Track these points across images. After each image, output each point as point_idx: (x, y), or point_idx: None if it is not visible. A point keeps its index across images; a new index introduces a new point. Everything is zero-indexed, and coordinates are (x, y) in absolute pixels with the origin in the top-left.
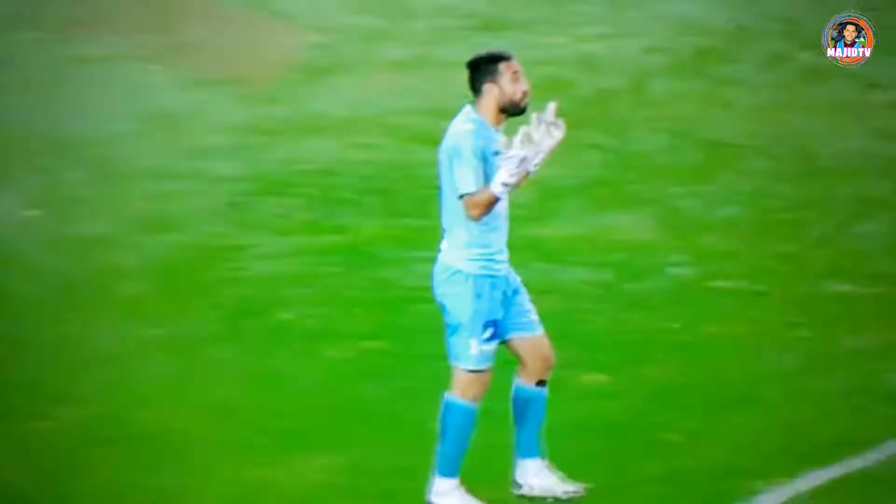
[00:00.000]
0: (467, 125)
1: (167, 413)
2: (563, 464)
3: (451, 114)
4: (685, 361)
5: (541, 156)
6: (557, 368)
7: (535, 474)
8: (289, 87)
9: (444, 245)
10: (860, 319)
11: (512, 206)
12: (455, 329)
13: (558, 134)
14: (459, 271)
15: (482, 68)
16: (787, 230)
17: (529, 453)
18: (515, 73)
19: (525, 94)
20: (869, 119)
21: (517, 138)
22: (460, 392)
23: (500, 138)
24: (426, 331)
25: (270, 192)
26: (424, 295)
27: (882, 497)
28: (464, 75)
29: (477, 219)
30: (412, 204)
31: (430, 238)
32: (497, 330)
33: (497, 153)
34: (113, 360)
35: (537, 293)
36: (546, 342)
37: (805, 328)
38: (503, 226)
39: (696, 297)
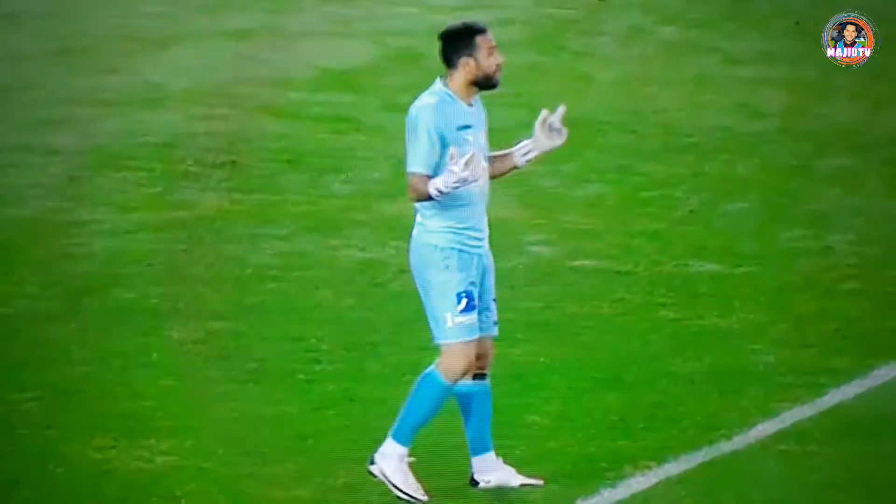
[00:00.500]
0: (430, 99)
1: (5, 395)
2: (425, 448)
3: (298, 84)
4: (547, 342)
5: (534, 153)
6: (414, 350)
7: (490, 469)
8: (128, 57)
9: (417, 218)
10: (727, 299)
11: (367, 181)
12: (430, 305)
13: (558, 141)
14: (428, 244)
15: (459, 41)
16: (652, 208)
17: (481, 449)
18: (492, 47)
19: (499, 67)
20: (732, 95)
21: (460, 163)
22: (439, 366)
23: (472, 113)
24: (275, 311)
25: (110, 166)
26: (273, 273)
27: (751, 480)
28: (312, 44)
29: (413, 201)
30: (259, 178)
31: (279, 214)
32: (473, 302)
33: (464, 127)
34: None
35: (395, 273)
36: (487, 342)
37: (671, 308)
38: (477, 202)
39: (558, 276)
